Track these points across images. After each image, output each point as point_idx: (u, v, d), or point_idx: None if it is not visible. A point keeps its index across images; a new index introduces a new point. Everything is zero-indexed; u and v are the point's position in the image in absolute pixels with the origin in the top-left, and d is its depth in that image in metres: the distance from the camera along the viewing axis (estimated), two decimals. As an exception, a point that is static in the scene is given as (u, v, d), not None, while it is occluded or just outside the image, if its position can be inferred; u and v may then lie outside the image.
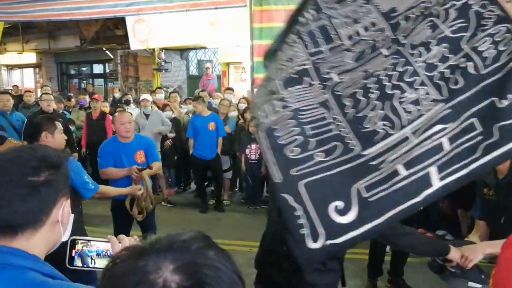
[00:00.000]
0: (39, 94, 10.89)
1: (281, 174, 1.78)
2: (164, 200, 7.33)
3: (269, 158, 1.86)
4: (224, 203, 7.41)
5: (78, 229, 2.72)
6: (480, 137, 1.57)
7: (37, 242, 1.15)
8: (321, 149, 1.79)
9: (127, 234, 2.28)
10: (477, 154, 1.55)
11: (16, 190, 1.11)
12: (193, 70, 15.70)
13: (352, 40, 2.07)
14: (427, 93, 1.75)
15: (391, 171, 1.62)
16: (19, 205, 1.11)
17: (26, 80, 18.33)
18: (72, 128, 7.64)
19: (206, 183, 7.75)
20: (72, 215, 1.27)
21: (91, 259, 1.23)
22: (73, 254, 1.23)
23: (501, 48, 1.70)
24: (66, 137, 3.47)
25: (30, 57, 16.70)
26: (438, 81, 1.76)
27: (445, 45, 1.81)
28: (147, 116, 7.40)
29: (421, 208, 1.68)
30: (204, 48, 13.99)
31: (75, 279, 1.15)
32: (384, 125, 1.75)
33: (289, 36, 2.29)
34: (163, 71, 13.37)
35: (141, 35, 10.69)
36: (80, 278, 1.23)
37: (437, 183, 1.56)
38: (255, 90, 2.38)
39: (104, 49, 14.42)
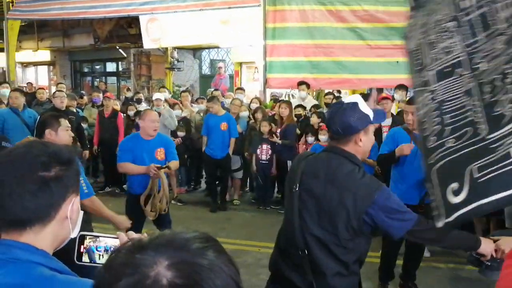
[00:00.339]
0: (52, 91, 11.00)
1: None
2: (174, 199, 7.35)
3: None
4: (235, 202, 7.43)
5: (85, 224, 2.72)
6: None
7: (45, 237, 1.14)
8: (453, 136, 1.82)
9: (139, 231, 2.27)
10: None
11: (27, 185, 1.10)
12: (206, 70, 15.75)
13: (508, 22, 1.93)
14: None
15: (504, 153, 1.60)
16: (29, 200, 1.10)
17: (40, 77, 18.52)
18: (84, 125, 7.71)
19: (216, 182, 7.76)
20: (82, 212, 1.27)
21: (100, 255, 1.22)
22: (82, 250, 1.22)
23: None
24: (72, 134, 3.45)
25: (45, 55, 16.87)
26: None
27: None
28: (159, 115, 7.43)
29: None
30: (217, 47, 14.02)
31: (83, 275, 1.14)
32: (510, 108, 1.70)
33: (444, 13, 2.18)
34: (176, 70, 13.40)
35: (154, 34, 10.72)
36: (87, 274, 1.22)
37: None
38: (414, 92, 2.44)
39: (117, 47, 14.51)
